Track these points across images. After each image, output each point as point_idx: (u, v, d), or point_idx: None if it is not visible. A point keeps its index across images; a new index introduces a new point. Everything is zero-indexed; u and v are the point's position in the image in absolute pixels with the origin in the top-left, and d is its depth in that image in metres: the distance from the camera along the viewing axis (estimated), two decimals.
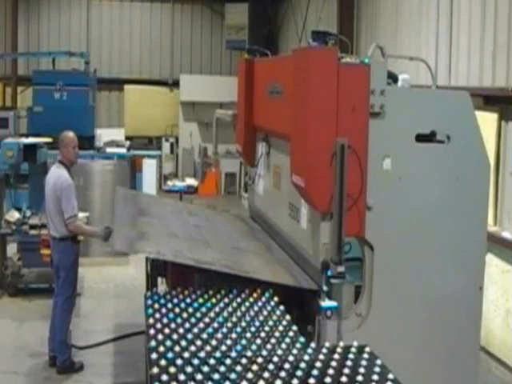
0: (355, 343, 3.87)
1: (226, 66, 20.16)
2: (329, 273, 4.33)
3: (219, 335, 4.02)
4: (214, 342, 3.88)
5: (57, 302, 6.74)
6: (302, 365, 3.54)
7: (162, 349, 3.71)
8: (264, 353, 3.77)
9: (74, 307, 7.04)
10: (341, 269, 4.25)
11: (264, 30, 18.61)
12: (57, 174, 6.64)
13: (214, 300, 4.66)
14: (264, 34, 18.49)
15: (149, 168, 11.96)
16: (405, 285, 4.50)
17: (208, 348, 3.79)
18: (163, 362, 3.50)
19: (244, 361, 3.56)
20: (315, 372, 3.45)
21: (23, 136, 11.62)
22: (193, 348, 3.78)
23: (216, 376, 3.38)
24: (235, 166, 17.18)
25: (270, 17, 18.72)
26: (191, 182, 17.37)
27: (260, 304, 4.61)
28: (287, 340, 4.03)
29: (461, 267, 4.60)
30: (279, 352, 3.78)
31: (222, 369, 3.46)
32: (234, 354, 3.67)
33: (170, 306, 4.52)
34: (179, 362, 3.53)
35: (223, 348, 3.83)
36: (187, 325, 4.18)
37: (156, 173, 11.88)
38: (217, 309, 4.50)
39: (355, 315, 4.45)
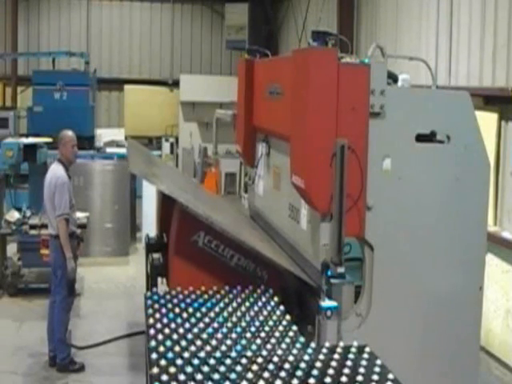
0: (355, 343, 3.88)
1: (226, 66, 20.16)
2: (329, 273, 4.33)
3: (219, 335, 4.03)
4: (214, 342, 3.88)
5: (53, 302, 6.75)
6: (302, 365, 3.54)
7: (162, 349, 3.71)
8: (264, 353, 3.77)
9: (73, 306, 7.04)
10: (341, 270, 4.25)
11: (264, 29, 18.60)
12: (53, 172, 6.69)
13: (214, 300, 4.67)
14: (264, 34, 18.47)
15: None
16: (405, 285, 4.50)
17: (208, 348, 3.79)
18: (163, 362, 3.50)
19: (244, 361, 3.56)
20: (315, 372, 3.45)
21: (23, 136, 11.63)
22: (193, 348, 3.79)
23: (216, 376, 3.39)
24: (235, 166, 17.14)
25: (270, 17, 18.70)
26: None
27: (260, 304, 4.61)
28: (287, 340, 4.04)
29: (461, 267, 4.60)
30: (279, 352, 3.78)
31: (222, 369, 3.46)
32: (234, 354, 3.68)
33: (169, 306, 4.53)
34: (179, 361, 3.53)
35: (223, 348, 3.84)
36: (187, 325, 4.19)
37: None
38: (217, 309, 4.50)
39: (355, 315, 4.45)
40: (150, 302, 4.64)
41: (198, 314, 4.40)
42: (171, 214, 5.37)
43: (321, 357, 3.67)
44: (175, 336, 3.95)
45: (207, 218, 4.85)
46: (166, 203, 5.99)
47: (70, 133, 6.83)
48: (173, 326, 4.17)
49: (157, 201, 10.45)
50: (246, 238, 4.86)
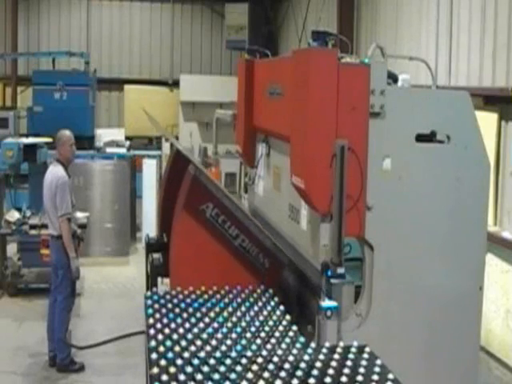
0: (355, 343, 3.87)
1: (226, 66, 20.16)
2: (329, 273, 4.33)
3: (219, 335, 4.02)
4: (214, 342, 3.88)
5: (53, 302, 6.75)
6: (302, 365, 3.54)
7: (161, 349, 3.70)
8: (264, 353, 3.77)
9: (73, 306, 7.05)
10: (341, 270, 4.25)
11: (264, 29, 18.60)
12: (53, 172, 6.72)
13: (214, 300, 4.66)
14: (264, 34, 18.47)
15: (149, 168, 11.96)
16: (405, 285, 4.50)
17: (208, 348, 3.79)
18: (163, 362, 3.50)
19: (244, 361, 3.55)
20: (315, 372, 3.45)
21: (23, 136, 11.64)
22: (193, 348, 3.78)
23: (216, 376, 3.38)
24: (235, 166, 17.11)
25: (270, 17, 18.71)
26: None
27: (260, 304, 4.61)
28: (287, 340, 4.03)
29: (461, 267, 4.60)
30: (279, 352, 3.78)
31: (222, 369, 3.46)
32: (234, 354, 3.67)
33: (170, 306, 4.52)
34: (179, 361, 3.53)
35: (223, 348, 3.83)
36: (187, 325, 4.18)
37: (156, 173, 11.88)
38: (217, 309, 4.50)
39: (355, 315, 4.45)
40: (149, 301, 4.64)
41: (198, 314, 4.39)
42: (171, 214, 5.36)
43: (321, 357, 3.67)
44: (175, 336, 3.94)
45: (218, 189, 4.85)
46: (167, 202, 5.99)
47: (67, 132, 6.87)
48: (173, 325, 4.16)
49: (157, 200, 10.46)
50: (254, 220, 4.88)
